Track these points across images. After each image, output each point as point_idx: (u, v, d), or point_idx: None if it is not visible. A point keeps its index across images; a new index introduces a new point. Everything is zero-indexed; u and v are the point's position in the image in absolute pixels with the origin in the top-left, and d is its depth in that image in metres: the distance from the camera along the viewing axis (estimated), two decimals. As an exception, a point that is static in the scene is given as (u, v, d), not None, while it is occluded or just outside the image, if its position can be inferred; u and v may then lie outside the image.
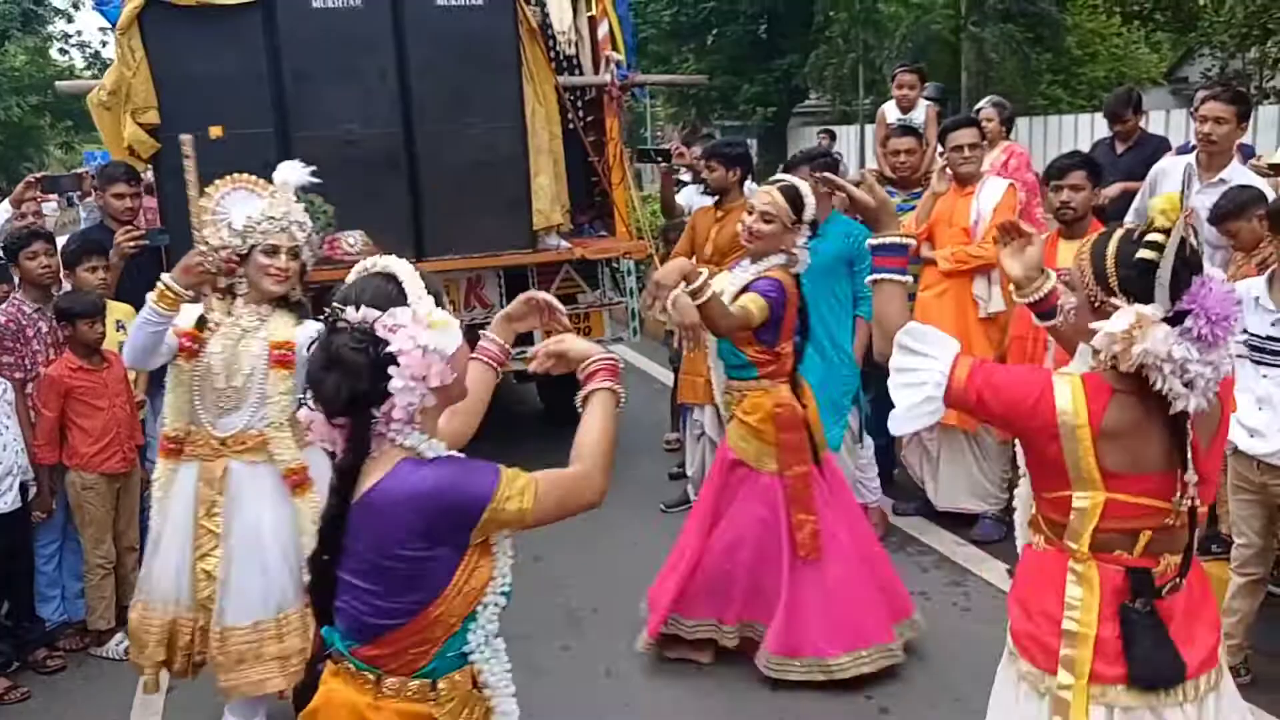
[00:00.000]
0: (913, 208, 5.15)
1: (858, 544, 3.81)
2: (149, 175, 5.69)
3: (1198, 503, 2.01)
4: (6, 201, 5.17)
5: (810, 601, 3.68)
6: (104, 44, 35.51)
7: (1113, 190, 5.38)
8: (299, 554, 3.16)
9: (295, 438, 3.21)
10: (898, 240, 2.26)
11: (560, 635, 4.24)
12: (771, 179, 3.93)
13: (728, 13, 28.16)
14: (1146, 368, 1.91)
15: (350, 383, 1.75)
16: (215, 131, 4.97)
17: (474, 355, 2.17)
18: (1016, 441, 2.23)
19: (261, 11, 5.05)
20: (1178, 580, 2.07)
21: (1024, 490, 2.28)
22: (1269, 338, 3.31)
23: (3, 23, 29.35)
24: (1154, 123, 14.11)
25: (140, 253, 4.76)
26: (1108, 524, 2.03)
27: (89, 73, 34.02)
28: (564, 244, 5.80)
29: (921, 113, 6.52)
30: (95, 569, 4.21)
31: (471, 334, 2.02)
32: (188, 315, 3.17)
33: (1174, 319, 1.91)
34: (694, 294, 3.34)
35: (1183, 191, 2.04)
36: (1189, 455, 1.99)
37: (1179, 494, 2.00)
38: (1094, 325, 1.96)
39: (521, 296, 2.29)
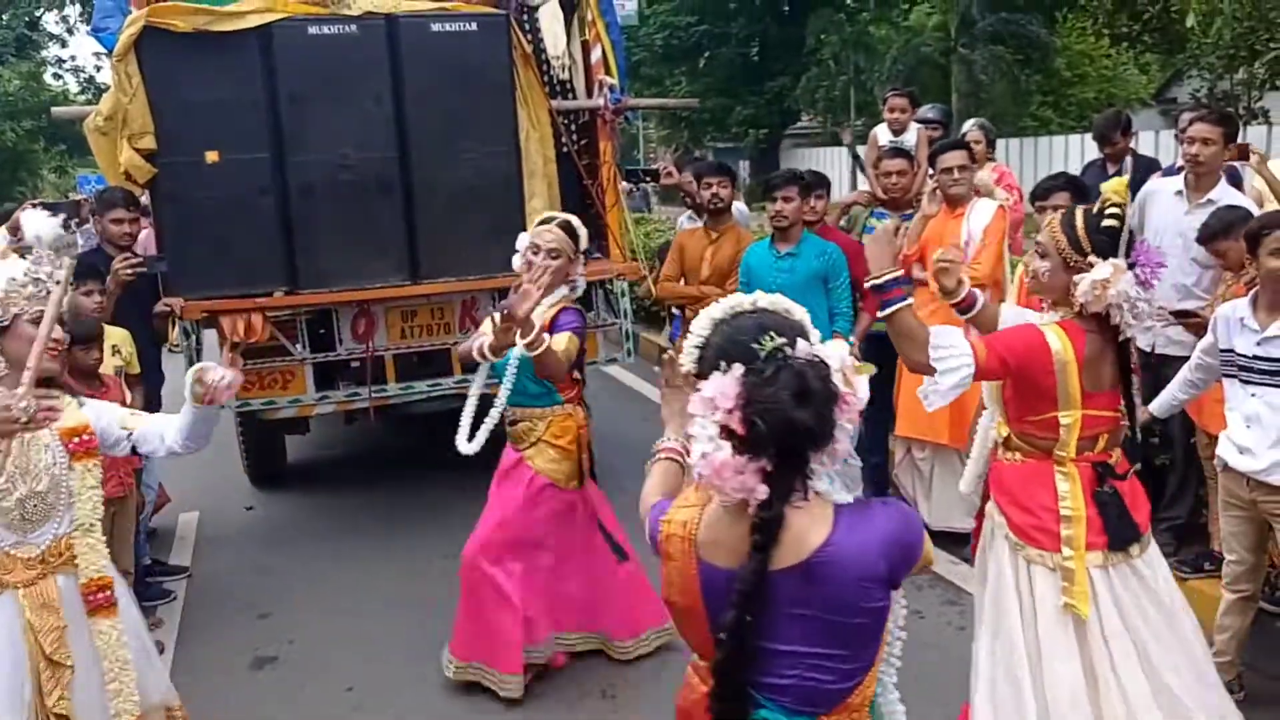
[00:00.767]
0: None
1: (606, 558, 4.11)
2: (146, 200, 5.71)
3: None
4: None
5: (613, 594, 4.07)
6: (98, 69, 35.77)
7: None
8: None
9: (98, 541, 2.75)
10: (893, 276, 2.75)
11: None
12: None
13: (720, 35, 28.35)
14: (1112, 307, 2.68)
15: (827, 418, 1.59)
16: (211, 156, 5.02)
17: None
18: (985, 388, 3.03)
19: (258, 38, 5.08)
20: (1129, 468, 2.89)
21: (984, 422, 3.13)
22: (1255, 357, 3.32)
23: (-3, 47, 29.52)
24: (1143, 143, 14.22)
25: (136, 279, 4.80)
26: (1084, 433, 2.80)
27: (83, 97, 34.16)
28: (558, 266, 5.80)
29: (913, 135, 6.57)
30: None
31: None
32: None
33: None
34: (529, 346, 3.44)
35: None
36: (1131, 373, 2.84)
37: (1123, 402, 2.85)
38: (1076, 279, 2.72)
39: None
